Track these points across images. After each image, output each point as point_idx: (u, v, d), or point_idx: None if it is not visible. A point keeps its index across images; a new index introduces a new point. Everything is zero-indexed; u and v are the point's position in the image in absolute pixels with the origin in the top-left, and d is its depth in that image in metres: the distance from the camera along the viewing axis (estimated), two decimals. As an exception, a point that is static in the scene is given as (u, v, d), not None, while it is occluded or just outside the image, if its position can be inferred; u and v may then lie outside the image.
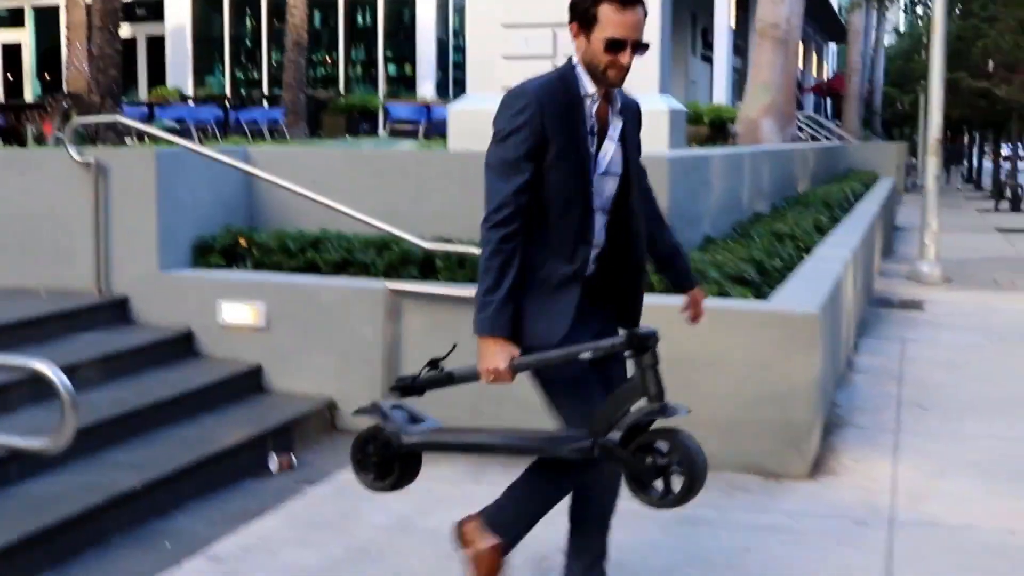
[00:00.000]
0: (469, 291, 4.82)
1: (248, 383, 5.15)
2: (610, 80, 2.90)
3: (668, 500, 2.77)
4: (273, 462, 4.57)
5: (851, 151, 18.40)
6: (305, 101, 15.39)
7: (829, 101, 36.41)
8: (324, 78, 20.20)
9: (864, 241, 7.86)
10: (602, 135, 2.96)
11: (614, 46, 2.85)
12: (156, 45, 22.32)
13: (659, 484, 2.77)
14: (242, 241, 5.54)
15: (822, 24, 36.26)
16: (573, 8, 2.92)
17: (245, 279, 5.32)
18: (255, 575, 3.54)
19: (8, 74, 24.59)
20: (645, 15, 2.90)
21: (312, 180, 5.75)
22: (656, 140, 6.91)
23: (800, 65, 37.16)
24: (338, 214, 5.26)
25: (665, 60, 7.12)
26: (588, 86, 2.92)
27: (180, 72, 21.26)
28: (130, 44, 23.43)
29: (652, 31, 7.02)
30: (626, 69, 2.89)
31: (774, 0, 13.47)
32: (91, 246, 5.53)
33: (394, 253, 5.19)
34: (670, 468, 2.74)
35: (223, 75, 21.27)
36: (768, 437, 4.50)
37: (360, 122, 14.98)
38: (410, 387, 3.21)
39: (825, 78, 36.98)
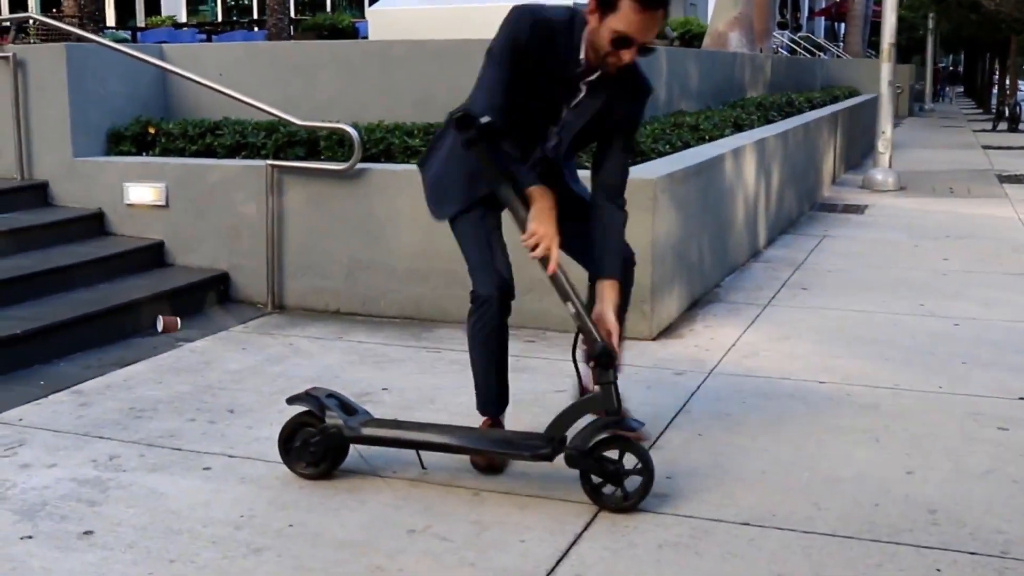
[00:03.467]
0: (340, 166, 5.19)
1: (150, 257, 5.56)
2: (606, 67, 2.90)
3: (626, 503, 2.97)
4: (159, 322, 4.99)
5: (834, 67, 18.36)
6: (288, 24, 15.68)
7: (843, 26, 35.97)
8: (311, 2, 20.53)
9: (789, 140, 8.08)
10: (571, 99, 3.00)
11: (621, 42, 2.82)
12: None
13: (615, 489, 2.98)
14: (150, 129, 5.92)
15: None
16: None
17: (148, 162, 5.71)
18: (106, 404, 3.96)
19: (17, 8, 25.07)
20: (665, 16, 2.86)
21: (218, 73, 6.10)
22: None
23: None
24: (241, 104, 5.61)
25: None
26: (582, 51, 2.91)
27: (174, 1, 21.59)
28: (127, -27, 23.75)
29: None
30: (625, 65, 2.88)
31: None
32: (12, 135, 5.93)
33: (281, 135, 5.54)
34: (625, 473, 2.97)
35: (215, 3, 21.60)
36: (612, 298, 4.83)
37: (328, 40, 15.29)
38: None
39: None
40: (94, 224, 5.72)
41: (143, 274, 5.43)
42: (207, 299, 5.39)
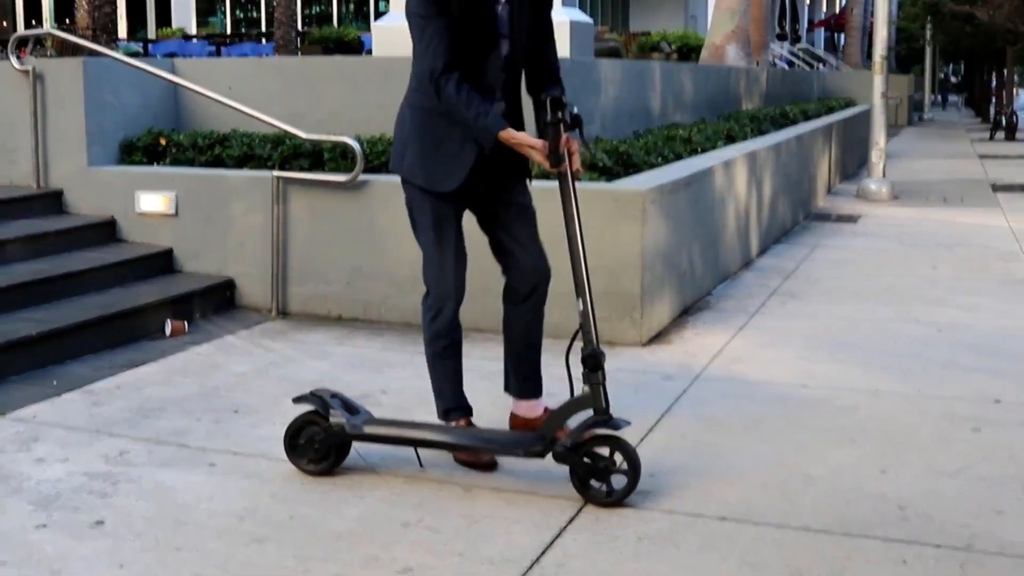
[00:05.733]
0: (343, 177, 5.38)
1: (160, 264, 5.75)
2: None
3: (611, 498, 3.13)
4: (168, 327, 5.16)
5: (831, 79, 18.53)
6: (295, 36, 15.92)
7: (843, 37, 36.17)
8: (319, 16, 20.86)
9: (781, 151, 8.23)
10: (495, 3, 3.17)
11: None
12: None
13: (601, 484, 3.15)
14: (161, 140, 6.12)
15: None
16: None
17: (159, 172, 5.91)
18: (116, 403, 4.14)
19: (32, 19, 25.40)
20: None
21: (227, 86, 6.29)
22: (559, 49, 7.35)
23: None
24: (249, 117, 5.80)
25: (572, -25, 7.52)
26: None
27: (184, 13, 21.93)
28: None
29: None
30: None
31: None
32: (30, 144, 6.12)
33: (287, 147, 5.74)
34: (611, 470, 3.15)
35: (224, 15, 21.96)
36: (604, 307, 4.97)
37: (333, 53, 15.52)
38: None
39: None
40: (106, 231, 5.91)
41: (152, 280, 5.62)
42: (214, 305, 5.57)
